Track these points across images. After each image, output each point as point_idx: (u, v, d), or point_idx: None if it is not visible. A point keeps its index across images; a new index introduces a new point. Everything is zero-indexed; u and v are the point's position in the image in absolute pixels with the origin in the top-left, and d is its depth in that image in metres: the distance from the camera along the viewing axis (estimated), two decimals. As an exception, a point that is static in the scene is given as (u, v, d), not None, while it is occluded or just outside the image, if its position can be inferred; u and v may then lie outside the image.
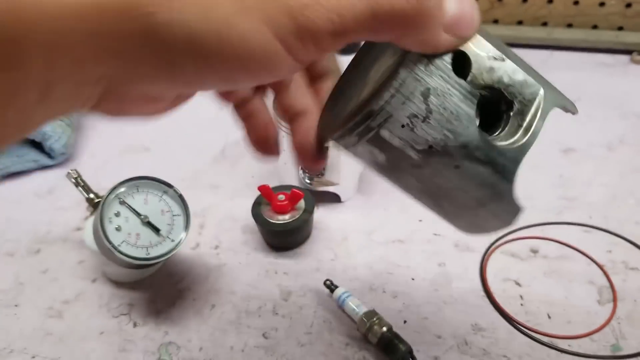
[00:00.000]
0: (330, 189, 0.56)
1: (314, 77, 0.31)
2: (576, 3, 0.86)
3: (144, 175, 0.47)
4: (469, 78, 0.24)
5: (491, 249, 0.51)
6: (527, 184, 0.59)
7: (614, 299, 0.45)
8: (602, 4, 0.85)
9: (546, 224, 0.53)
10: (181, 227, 0.47)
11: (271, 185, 0.53)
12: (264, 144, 0.32)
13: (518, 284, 0.48)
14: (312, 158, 0.29)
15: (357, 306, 0.44)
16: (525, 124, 0.26)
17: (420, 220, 0.55)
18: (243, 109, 0.32)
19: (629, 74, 0.80)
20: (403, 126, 0.24)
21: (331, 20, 0.19)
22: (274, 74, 0.21)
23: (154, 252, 0.44)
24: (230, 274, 0.50)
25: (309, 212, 0.51)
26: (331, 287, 0.47)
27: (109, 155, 0.68)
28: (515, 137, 0.26)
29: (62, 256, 0.53)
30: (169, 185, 0.47)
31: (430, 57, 0.23)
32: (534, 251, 0.51)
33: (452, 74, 0.23)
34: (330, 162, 0.54)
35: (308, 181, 0.56)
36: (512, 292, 0.47)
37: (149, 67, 0.19)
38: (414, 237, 0.53)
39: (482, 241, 0.52)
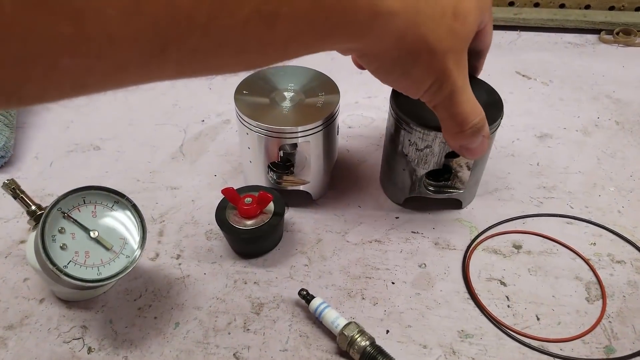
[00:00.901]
0: (301, 187, 0.52)
1: None
2: (511, 3, 0.84)
3: (91, 185, 0.41)
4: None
5: (473, 245, 0.48)
6: (504, 174, 0.57)
7: (603, 296, 0.44)
8: (569, -18, 0.83)
9: (527, 216, 0.51)
10: (136, 240, 0.42)
11: (236, 185, 0.48)
12: None
13: (503, 283, 0.45)
14: None
15: (335, 318, 0.41)
16: (440, 191, 0.52)
17: (397, 218, 0.52)
18: None
19: (598, 53, 0.78)
20: (409, 140, 0.47)
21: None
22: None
23: (106, 272, 0.39)
24: (194, 287, 0.46)
25: (279, 215, 0.47)
26: (307, 297, 0.43)
27: (55, 156, 0.61)
28: (434, 191, 0.51)
29: (4, 274, 0.48)
30: (121, 195, 0.42)
31: None
32: (517, 246, 0.49)
33: (444, 153, 0.47)
34: (300, 159, 0.50)
35: (276, 180, 0.51)
36: (497, 293, 0.44)
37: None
38: (391, 236, 0.50)
39: (462, 238, 0.49)
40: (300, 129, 0.46)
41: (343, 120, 0.65)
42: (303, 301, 0.43)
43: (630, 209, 0.52)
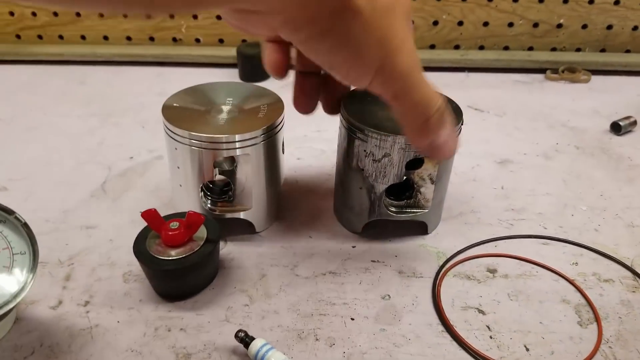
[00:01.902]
0: (241, 215, 0.44)
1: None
2: (486, 24, 0.85)
3: (-29, 203, 0.33)
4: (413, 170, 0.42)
5: (442, 272, 0.42)
6: (467, 198, 0.52)
7: (597, 319, 0.37)
8: (510, 24, 0.84)
9: (499, 238, 0.45)
10: (25, 268, 0.33)
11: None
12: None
13: (481, 311, 0.38)
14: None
15: (282, 361, 0.32)
16: (403, 211, 0.45)
17: (353, 247, 0.45)
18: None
19: (546, 90, 0.78)
20: (364, 150, 0.41)
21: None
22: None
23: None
24: (103, 338, 0.36)
25: (212, 242, 0.39)
26: (245, 339, 0.34)
27: (-50, 200, 0.51)
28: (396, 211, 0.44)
29: None
30: (9, 212, 0.34)
31: None
32: (492, 270, 0.42)
33: (404, 163, 0.40)
34: (239, 180, 0.43)
35: (211, 207, 0.44)
36: (476, 323, 0.37)
37: None
38: (348, 266, 0.43)
39: (429, 265, 0.43)
40: (238, 137, 0.39)
41: (291, 152, 0.59)
42: (241, 346, 0.34)
43: (608, 227, 0.47)
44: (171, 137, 0.41)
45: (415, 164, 0.40)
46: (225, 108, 0.43)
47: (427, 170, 0.41)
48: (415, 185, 0.43)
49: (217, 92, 0.45)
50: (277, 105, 0.44)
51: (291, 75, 0.39)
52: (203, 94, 0.45)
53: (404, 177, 0.41)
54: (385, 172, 0.40)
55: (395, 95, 0.31)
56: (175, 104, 0.43)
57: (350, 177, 0.43)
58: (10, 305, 0.31)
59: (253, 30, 0.30)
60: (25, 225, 0.34)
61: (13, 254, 0.33)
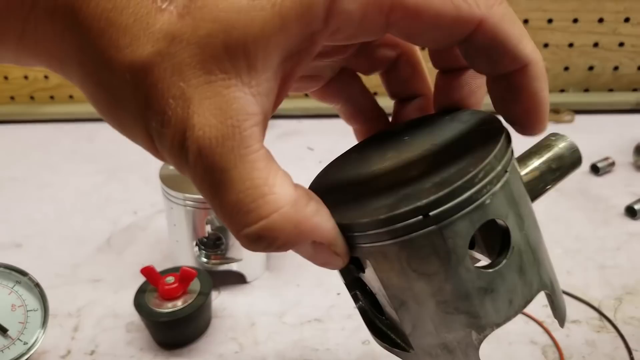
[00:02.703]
0: (234, 267, 0.48)
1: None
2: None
3: (-10, 264, 0.37)
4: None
5: (420, 317, 0.45)
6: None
7: (562, 359, 0.40)
8: (495, 70, 0.89)
9: (475, 283, 0.48)
10: (38, 324, 0.37)
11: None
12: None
13: (454, 354, 0.41)
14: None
15: (265, 406, 0.35)
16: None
17: (338, 294, 0.48)
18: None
19: (531, 132, 0.81)
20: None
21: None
22: None
23: (-7, 364, 0.34)
24: (106, 386, 0.40)
25: (205, 294, 0.42)
26: (233, 385, 0.37)
27: (-30, 257, 0.56)
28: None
29: None
30: (23, 274, 0.38)
31: None
32: (467, 314, 0.45)
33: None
34: (231, 235, 0.47)
35: (205, 260, 0.48)
36: (449, 365, 0.40)
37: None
38: (332, 313, 0.46)
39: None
40: (224, 199, 0.43)
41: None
42: (230, 391, 0.38)
43: (579, 269, 0.50)
44: (168, 198, 0.45)
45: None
46: (217, 169, 0.47)
47: None
48: None
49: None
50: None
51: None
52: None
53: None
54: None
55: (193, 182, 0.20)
56: (170, 167, 0.47)
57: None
58: (25, 357, 0.35)
59: None
60: (37, 285, 0.38)
61: (27, 311, 0.37)
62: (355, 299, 0.25)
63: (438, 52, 0.25)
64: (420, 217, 0.19)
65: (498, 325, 0.22)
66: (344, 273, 0.25)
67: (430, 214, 0.19)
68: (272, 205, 0.18)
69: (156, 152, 0.20)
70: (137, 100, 0.18)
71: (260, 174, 0.18)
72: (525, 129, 0.23)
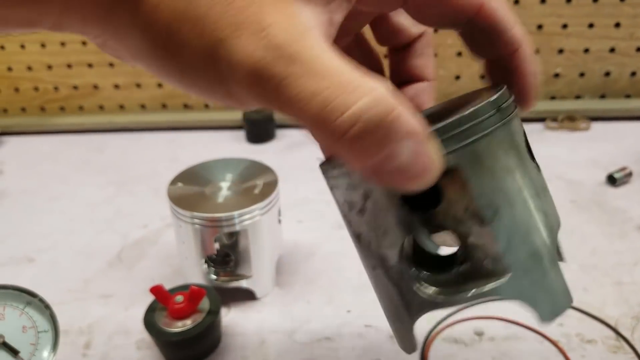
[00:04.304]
0: (243, 284, 0.48)
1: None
2: (483, 77, 0.88)
3: (1, 284, 0.37)
4: (424, 214, 0.23)
5: (431, 335, 0.44)
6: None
7: (577, 381, 0.39)
8: (508, 77, 0.88)
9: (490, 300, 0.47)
10: (49, 345, 0.37)
11: (174, 287, 0.44)
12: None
13: (467, 375, 0.40)
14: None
15: None
16: (456, 289, 0.24)
17: (348, 311, 0.47)
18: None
19: (545, 139, 0.80)
20: (344, 202, 0.25)
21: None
22: None
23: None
24: (116, 406, 0.40)
25: (214, 313, 0.42)
26: (243, 408, 0.37)
27: (-17, 271, 0.57)
28: (447, 292, 0.24)
29: None
30: (33, 295, 0.38)
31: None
32: (479, 333, 0.44)
33: (396, 199, 0.23)
34: (239, 251, 0.46)
35: (214, 277, 0.47)
36: (461, 387, 0.39)
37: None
38: (342, 331, 0.45)
39: (420, 327, 0.45)
40: (236, 214, 0.43)
41: (292, 215, 0.62)
42: (240, 413, 0.37)
43: (596, 286, 0.49)
44: (176, 216, 0.45)
45: (428, 197, 0.22)
46: (224, 185, 0.47)
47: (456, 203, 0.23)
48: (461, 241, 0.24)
49: (216, 170, 0.49)
50: (271, 180, 0.47)
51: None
52: (204, 172, 0.49)
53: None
54: (380, 226, 0.23)
55: (268, 99, 0.19)
56: (179, 184, 0.47)
57: (362, 257, 0.26)
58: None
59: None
60: (47, 307, 0.38)
61: (38, 332, 0.37)
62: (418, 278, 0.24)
63: (386, 30, 0.28)
64: (496, 110, 0.22)
65: (558, 226, 0.26)
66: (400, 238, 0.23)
67: (501, 106, 0.22)
68: (365, 88, 0.17)
69: (226, 86, 0.20)
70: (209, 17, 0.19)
71: (343, 64, 0.18)
72: (521, 105, 0.25)
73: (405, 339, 0.26)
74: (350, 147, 0.18)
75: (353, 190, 0.23)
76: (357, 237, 0.25)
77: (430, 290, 0.24)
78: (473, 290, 0.23)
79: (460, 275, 0.24)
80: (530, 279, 0.23)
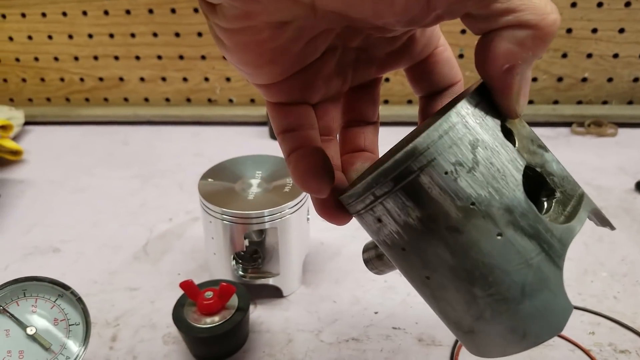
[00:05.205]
0: (270, 281, 0.48)
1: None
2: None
3: (33, 276, 0.38)
4: (516, 147, 0.23)
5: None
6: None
7: (611, 392, 0.38)
8: (534, 79, 0.87)
9: (517, 306, 0.47)
10: (79, 339, 0.37)
11: (200, 282, 0.44)
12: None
13: (497, 382, 0.40)
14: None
15: None
16: (566, 213, 0.24)
17: (376, 313, 0.47)
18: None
19: (571, 144, 0.79)
20: (446, 173, 0.21)
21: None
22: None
23: (37, 379, 0.34)
24: (144, 400, 0.40)
25: (243, 310, 0.42)
26: (272, 406, 0.37)
27: (11, 259, 0.57)
28: (560, 221, 0.24)
29: None
30: (66, 287, 0.38)
31: (484, 114, 0.22)
32: (509, 339, 0.44)
33: (502, 136, 0.22)
34: (267, 249, 0.46)
35: (242, 274, 0.47)
36: (492, 394, 0.39)
37: None
38: (370, 333, 0.45)
39: (449, 332, 0.45)
40: (266, 212, 0.43)
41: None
42: (268, 412, 0.37)
43: (627, 295, 0.48)
44: (206, 212, 0.45)
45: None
46: (255, 182, 0.47)
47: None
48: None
49: (246, 166, 0.49)
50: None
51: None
52: (233, 168, 0.49)
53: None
54: (498, 170, 0.22)
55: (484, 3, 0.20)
56: (210, 179, 0.47)
57: (481, 232, 0.23)
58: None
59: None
60: (79, 300, 0.38)
61: (69, 325, 0.37)
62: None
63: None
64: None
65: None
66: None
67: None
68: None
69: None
70: None
71: None
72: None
73: (559, 301, 0.23)
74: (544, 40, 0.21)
75: (458, 147, 0.22)
76: (471, 210, 0.22)
77: (561, 218, 0.24)
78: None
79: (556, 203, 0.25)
80: None
